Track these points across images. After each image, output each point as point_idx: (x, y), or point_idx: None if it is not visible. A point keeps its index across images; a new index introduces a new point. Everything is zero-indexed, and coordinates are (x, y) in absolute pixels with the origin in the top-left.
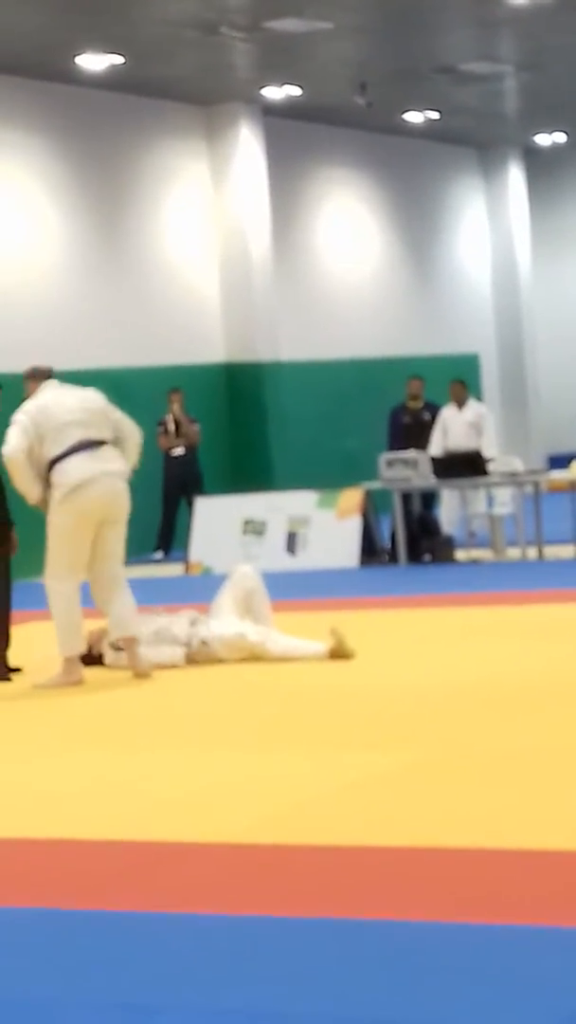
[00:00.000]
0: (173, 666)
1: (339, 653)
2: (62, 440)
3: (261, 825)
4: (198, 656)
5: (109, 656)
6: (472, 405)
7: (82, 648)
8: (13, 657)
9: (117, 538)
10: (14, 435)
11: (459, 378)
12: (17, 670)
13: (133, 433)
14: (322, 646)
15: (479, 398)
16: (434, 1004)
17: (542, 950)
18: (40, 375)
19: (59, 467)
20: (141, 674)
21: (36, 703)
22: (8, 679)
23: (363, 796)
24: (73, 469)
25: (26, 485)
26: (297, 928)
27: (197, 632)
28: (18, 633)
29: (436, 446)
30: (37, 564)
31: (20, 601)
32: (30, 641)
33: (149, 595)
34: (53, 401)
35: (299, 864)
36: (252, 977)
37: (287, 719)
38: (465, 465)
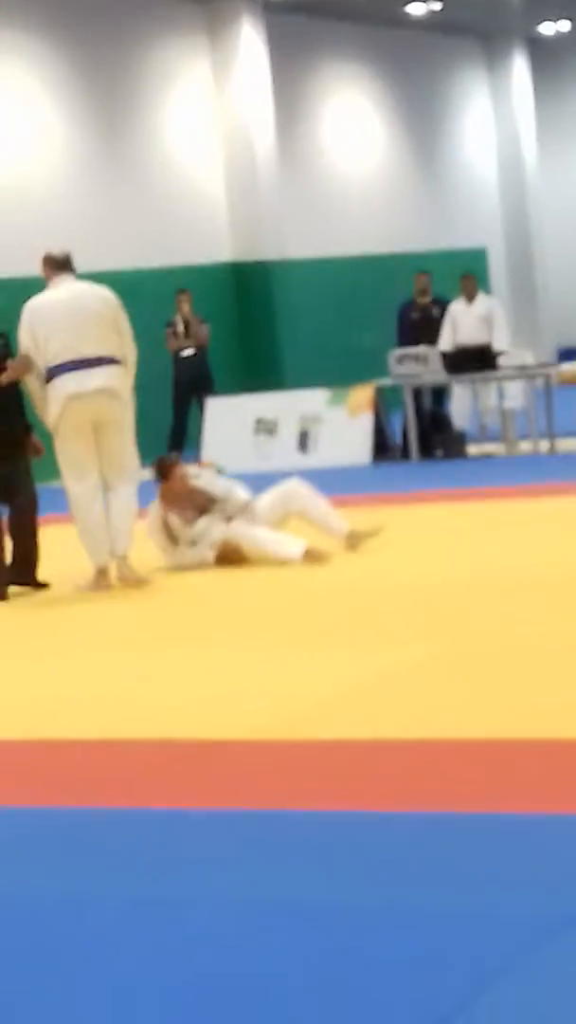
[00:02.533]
0: (202, 566)
1: (314, 556)
2: (53, 352)
3: (284, 722)
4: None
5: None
6: (482, 299)
7: (106, 558)
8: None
9: (109, 443)
10: (21, 338)
11: (469, 271)
12: (45, 585)
13: (129, 353)
14: (299, 548)
15: (488, 292)
16: (465, 893)
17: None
18: (50, 264)
19: (51, 384)
20: (131, 584)
21: (60, 609)
22: (36, 586)
23: (385, 691)
24: (59, 389)
25: (37, 398)
26: (322, 821)
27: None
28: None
29: (446, 341)
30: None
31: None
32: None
33: None
34: (52, 303)
35: (322, 759)
36: (281, 869)
37: (305, 617)
38: (475, 359)
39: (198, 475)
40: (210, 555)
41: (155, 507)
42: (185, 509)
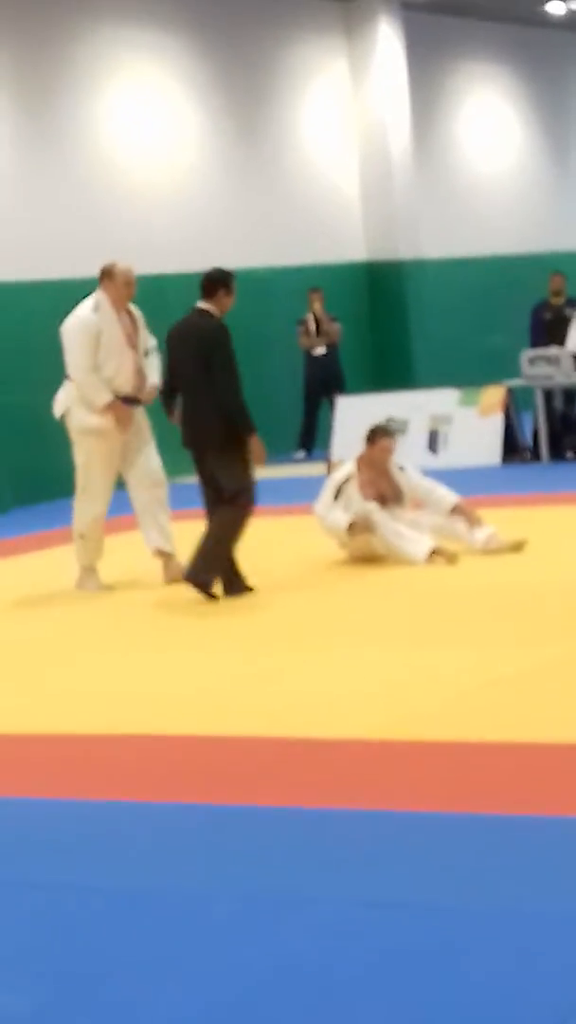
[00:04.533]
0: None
1: (442, 556)
2: None
3: (400, 722)
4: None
5: None
6: None
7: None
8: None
9: None
10: None
11: None
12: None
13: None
14: (424, 549)
15: None
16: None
17: None
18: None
19: None
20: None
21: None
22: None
23: (509, 692)
24: None
25: None
26: (445, 822)
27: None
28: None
29: (573, 342)
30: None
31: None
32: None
33: (291, 494)
34: None
35: (438, 760)
36: (397, 868)
37: (435, 617)
38: None
39: (403, 468)
40: (344, 520)
41: (349, 466)
42: (370, 485)
